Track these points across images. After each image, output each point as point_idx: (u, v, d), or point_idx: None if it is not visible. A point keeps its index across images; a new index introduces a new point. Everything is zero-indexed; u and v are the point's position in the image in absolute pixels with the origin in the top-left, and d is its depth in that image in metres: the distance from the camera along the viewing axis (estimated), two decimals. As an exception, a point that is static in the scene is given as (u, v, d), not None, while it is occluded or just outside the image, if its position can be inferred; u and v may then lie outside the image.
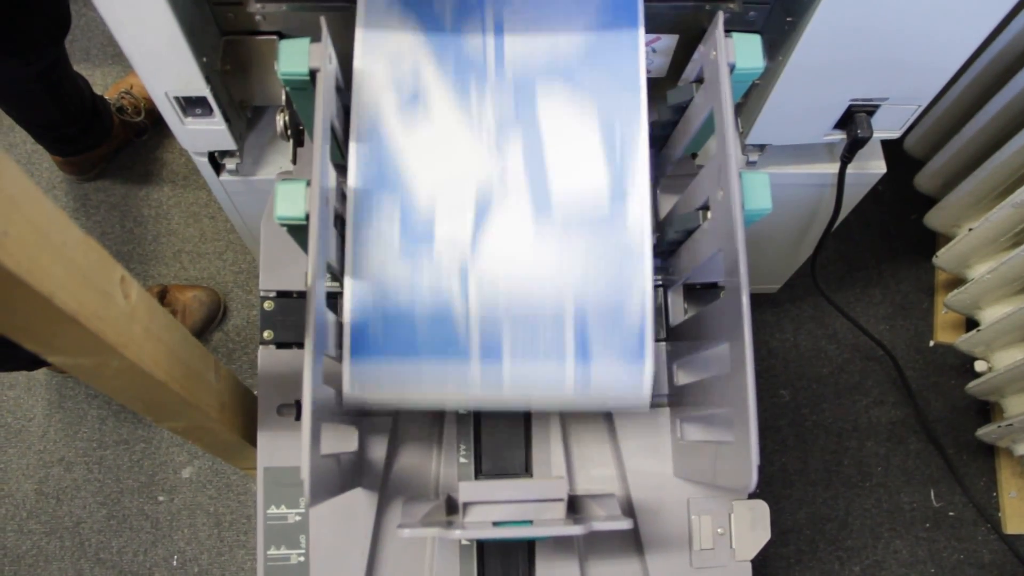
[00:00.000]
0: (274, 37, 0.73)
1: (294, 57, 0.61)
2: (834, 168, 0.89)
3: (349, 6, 0.68)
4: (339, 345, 0.63)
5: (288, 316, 0.74)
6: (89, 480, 1.27)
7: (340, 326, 0.63)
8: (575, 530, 0.60)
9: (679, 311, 0.77)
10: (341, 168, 0.67)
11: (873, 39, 0.68)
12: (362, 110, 0.65)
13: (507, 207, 0.65)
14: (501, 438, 0.75)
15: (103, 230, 1.39)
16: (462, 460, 0.74)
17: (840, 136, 0.82)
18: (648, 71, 0.80)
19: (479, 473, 0.74)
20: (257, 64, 0.76)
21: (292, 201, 0.59)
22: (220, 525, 1.25)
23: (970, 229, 1.12)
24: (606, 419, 0.76)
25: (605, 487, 0.75)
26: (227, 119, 0.77)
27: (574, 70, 0.67)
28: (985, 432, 1.25)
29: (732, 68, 0.63)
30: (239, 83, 0.78)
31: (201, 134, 0.78)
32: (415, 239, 0.64)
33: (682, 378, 0.74)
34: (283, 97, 0.77)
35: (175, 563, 1.23)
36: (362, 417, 0.71)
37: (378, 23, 0.67)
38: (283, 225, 0.60)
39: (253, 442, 0.73)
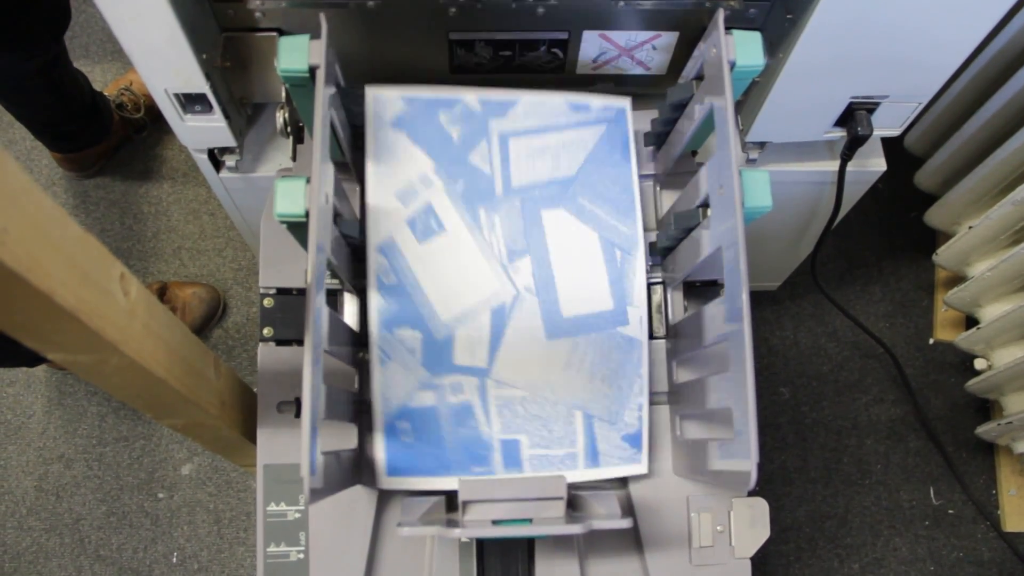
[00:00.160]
0: (274, 34, 0.73)
1: (294, 54, 0.61)
2: (834, 166, 0.89)
3: (348, 4, 0.68)
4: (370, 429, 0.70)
5: (288, 313, 0.74)
6: (89, 477, 1.27)
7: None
8: (575, 529, 0.60)
9: (679, 308, 0.77)
10: (341, 165, 0.67)
11: (873, 37, 0.68)
12: (377, 248, 0.72)
13: (520, 328, 0.73)
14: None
15: (103, 227, 1.39)
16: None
17: (840, 134, 0.82)
18: (648, 69, 0.80)
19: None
20: (257, 61, 0.76)
21: (292, 198, 0.59)
22: (220, 522, 1.25)
23: (970, 227, 1.12)
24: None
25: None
26: (227, 116, 0.77)
27: (575, 197, 0.75)
28: (985, 430, 1.25)
29: (732, 65, 0.63)
30: (239, 80, 0.78)
31: (201, 131, 0.78)
32: (437, 369, 0.71)
33: (682, 376, 0.74)
34: (283, 94, 0.78)
35: (175, 560, 1.24)
36: (362, 415, 0.71)
37: (386, 157, 0.72)
38: (283, 222, 0.60)
39: (253, 439, 0.73)
